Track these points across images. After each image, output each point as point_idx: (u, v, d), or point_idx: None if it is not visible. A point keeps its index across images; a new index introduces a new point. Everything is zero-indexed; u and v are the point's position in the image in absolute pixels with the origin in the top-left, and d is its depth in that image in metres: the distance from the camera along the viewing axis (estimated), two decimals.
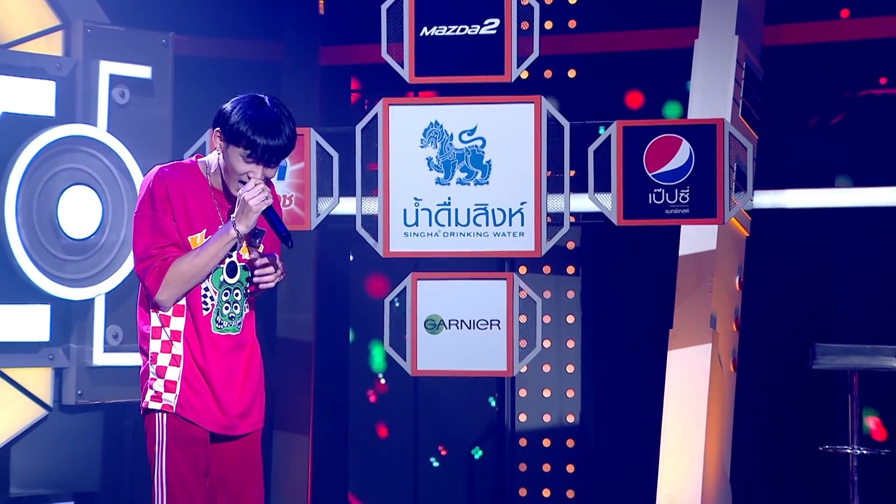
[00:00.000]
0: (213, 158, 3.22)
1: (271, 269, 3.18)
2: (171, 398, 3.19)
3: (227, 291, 3.25)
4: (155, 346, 3.22)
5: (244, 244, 3.20)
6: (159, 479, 3.14)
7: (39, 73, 5.98)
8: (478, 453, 7.51)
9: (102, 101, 6.12)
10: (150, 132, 6.28)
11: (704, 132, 5.56)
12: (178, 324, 3.22)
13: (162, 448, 3.17)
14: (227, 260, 3.22)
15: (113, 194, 6.13)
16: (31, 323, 5.92)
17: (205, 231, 3.18)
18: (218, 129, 3.15)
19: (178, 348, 3.21)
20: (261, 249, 3.19)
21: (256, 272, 3.19)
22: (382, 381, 7.59)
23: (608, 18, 7.27)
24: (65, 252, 6.01)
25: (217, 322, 3.23)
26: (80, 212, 6.06)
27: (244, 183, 3.13)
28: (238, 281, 3.24)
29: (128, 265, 6.07)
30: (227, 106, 3.15)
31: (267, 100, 3.14)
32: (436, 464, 7.50)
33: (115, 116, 6.16)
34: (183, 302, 3.21)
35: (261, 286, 3.21)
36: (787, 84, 6.92)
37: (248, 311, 3.29)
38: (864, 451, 5.54)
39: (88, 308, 6.07)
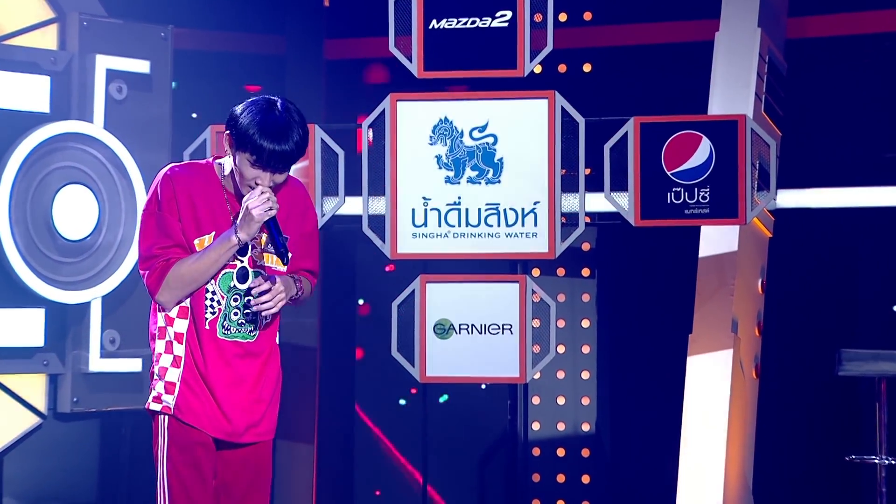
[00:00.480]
0: (229, 160, 3.19)
1: (268, 296, 3.14)
2: (170, 400, 3.20)
3: (238, 297, 3.22)
4: (159, 346, 3.23)
5: (261, 250, 3.21)
6: (161, 481, 3.15)
7: (33, 67, 5.80)
8: (443, 397, 7.44)
9: (99, 97, 5.94)
10: (149, 129, 6.11)
11: (725, 129, 5.44)
12: (181, 326, 3.22)
13: (163, 450, 3.19)
14: (238, 264, 3.20)
15: (110, 193, 5.96)
16: (24, 327, 5.74)
17: (213, 234, 3.16)
18: (228, 132, 3.13)
19: (179, 350, 3.22)
20: (286, 259, 3.18)
21: (253, 301, 3.17)
22: None
23: (625, 11, 7.20)
24: (60, 254, 5.85)
25: (223, 327, 3.22)
26: (75, 212, 5.89)
27: (253, 188, 3.12)
28: (250, 287, 3.20)
29: (125, 268, 5.94)
30: (238, 108, 3.12)
31: (279, 103, 3.11)
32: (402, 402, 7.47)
33: (112, 113, 5.98)
34: (187, 304, 3.21)
35: (263, 313, 3.19)
36: (812, 78, 6.77)
37: (268, 319, 3.25)
38: (893, 462, 5.35)
39: (84, 312, 5.91)
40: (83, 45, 5.91)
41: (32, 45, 5.86)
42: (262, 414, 3.27)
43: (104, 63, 5.94)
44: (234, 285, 3.21)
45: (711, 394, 5.70)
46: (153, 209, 3.16)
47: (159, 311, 3.22)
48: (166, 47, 6.18)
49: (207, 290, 3.20)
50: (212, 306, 3.21)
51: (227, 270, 3.19)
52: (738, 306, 5.82)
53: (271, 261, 3.23)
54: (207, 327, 3.20)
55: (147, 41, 6.13)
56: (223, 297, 3.20)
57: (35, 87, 5.78)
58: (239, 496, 3.28)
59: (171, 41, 6.20)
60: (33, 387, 5.82)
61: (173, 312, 3.20)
